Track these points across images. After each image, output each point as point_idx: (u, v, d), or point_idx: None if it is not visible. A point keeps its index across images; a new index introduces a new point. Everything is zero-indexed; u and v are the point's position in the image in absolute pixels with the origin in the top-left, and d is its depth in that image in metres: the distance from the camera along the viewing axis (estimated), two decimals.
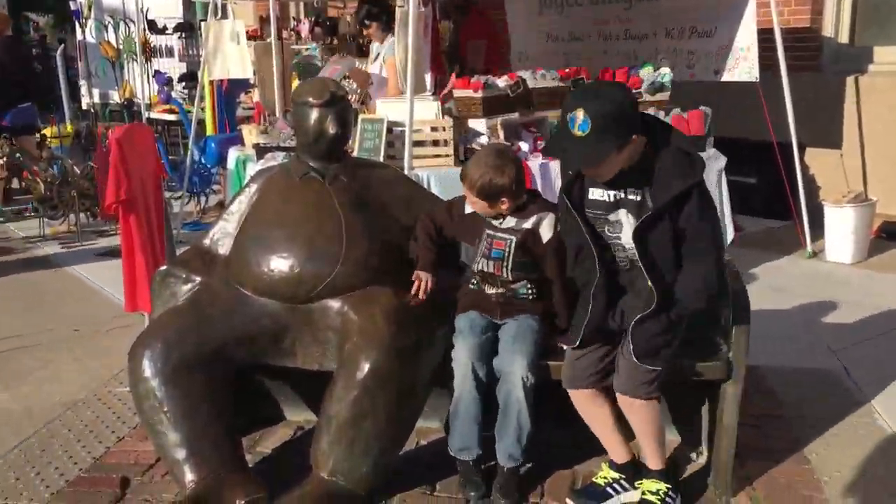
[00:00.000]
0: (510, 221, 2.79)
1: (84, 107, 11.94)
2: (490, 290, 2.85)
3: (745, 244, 5.92)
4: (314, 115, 2.93)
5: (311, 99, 2.93)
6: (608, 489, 2.76)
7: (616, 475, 2.78)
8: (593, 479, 2.81)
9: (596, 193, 2.55)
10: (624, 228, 2.52)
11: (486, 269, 2.82)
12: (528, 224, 2.78)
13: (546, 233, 2.76)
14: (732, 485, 2.80)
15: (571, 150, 2.44)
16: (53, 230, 7.05)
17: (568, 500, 2.77)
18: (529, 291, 2.83)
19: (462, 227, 2.91)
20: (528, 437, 2.74)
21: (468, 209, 2.87)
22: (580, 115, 2.34)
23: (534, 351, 2.74)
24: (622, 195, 2.51)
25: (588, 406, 2.72)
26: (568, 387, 2.71)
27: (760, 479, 2.91)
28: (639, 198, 2.48)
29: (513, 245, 2.77)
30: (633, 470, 2.79)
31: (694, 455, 3.09)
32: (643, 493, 2.71)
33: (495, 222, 2.81)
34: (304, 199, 2.95)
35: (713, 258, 2.50)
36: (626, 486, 2.77)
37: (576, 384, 2.70)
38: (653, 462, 2.73)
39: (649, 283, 2.47)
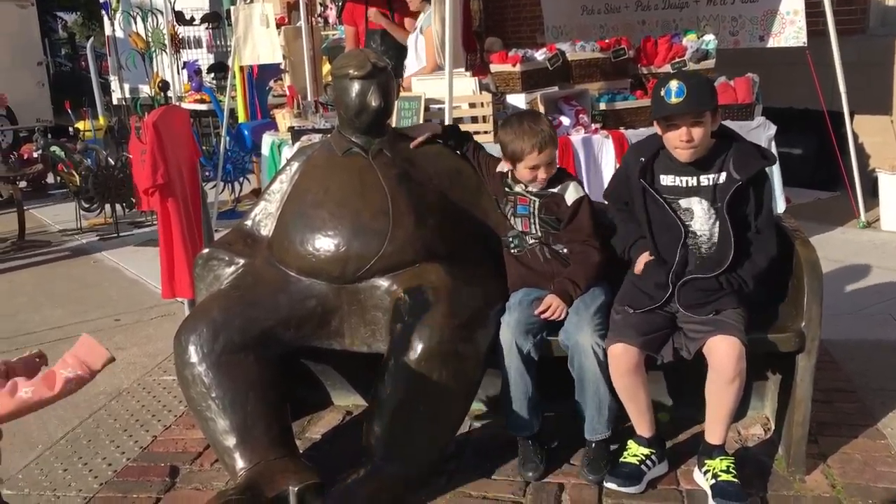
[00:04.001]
0: (535, 188, 2.82)
1: (115, 102, 11.95)
2: (530, 245, 2.83)
3: (795, 216, 5.61)
4: (356, 87, 2.80)
5: (352, 71, 2.81)
6: (642, 466, 2.67)
7: (647, 451, 2.69)
8: (623, 459, 2.70)
9: (667, 180, 2.64)
10: (696, 216, 2.62)
11: (518, 228, 2.85)
12: (554, 190, 2.82)
13: (570, 197, 2.80)
14: (806, 461, 2.67)
15: (670, 112, 2.51)
16: (90, 222, 7.04)
17: (606, 483, 2.65)
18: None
19: (493, 184, 2.97)
20: (611, 409, 2.67)
21: (501, 167, 2.93)
22: (674, 84, 2.48)
23: (601, 319, 2.65)
24: (695, 182, 2.60)
25: (627, 368, 2.57)
26: (614, 339, 2.57)
27: (834, 455, 2.77)
28: (712, 182, 2.59)
29: (537, 203, 2.81)
30: (658, 443, 2.73)
31: (762, 431, 2.95)
32: (716, 476, 2.56)
33: (517, 188, 2.85)
34: (347, 175, 2.84)
35: (775, 240, 2.63)
36: (655, 460, 2.70)
37: (624, 338, 2.56)
38: (719, 437, 2.63)
39: (731, 252, 2.54)
